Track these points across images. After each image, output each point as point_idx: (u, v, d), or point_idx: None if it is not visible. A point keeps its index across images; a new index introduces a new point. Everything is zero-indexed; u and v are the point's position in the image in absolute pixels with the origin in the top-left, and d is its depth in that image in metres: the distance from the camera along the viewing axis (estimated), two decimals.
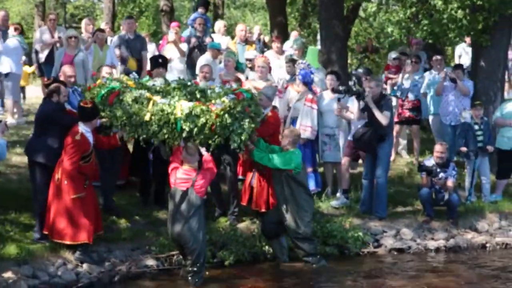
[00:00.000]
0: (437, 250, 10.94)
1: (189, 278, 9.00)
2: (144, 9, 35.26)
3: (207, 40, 13.49)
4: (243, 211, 10.79)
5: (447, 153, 11.45)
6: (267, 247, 10.24)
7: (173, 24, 15.31)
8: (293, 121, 11.54)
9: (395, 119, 13.53)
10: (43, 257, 9.01)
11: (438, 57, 13.84)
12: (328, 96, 11.69)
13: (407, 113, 13.64)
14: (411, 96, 13.56)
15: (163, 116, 9.27)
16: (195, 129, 9.23)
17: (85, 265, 9.09)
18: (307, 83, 11.62)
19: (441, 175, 11.19)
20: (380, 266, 10.17)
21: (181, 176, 9.04)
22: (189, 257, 9.02)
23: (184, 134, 9.24)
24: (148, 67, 12.34)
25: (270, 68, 12.16)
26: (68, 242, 9.05)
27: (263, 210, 10.38)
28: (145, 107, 9.34)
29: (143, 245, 9.83)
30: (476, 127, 12.06)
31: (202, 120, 9.23)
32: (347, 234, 10.62)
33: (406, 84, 13.52)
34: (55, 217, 9.04)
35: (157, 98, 9.44)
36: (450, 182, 11.16)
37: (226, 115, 9.26)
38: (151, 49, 15.13)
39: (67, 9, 37.29)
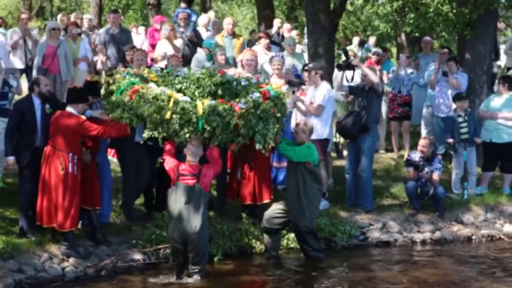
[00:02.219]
0: (423, 242, 11.00)
1: (192, 275, 8.87)
2: (131, 2, 35.17)
3: (190, 34, 13.41)
4: (230, 205, 10.82)
5: (432, 147, 11.49)
6: (254, 240, 10.25)
7: (156, 18, 15.21)
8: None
9: (388, 115, 13.64)
10: (29, 251, 8.97)
11: (445, 50, 13.85)
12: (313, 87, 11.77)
13: (399, 109, 13.71)
14: (403, 91, 13.62)
15: (184, 115, 8.90)
16: (217, 129, 9.00)
17: (71, 260, 9.06)
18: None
19: (426, 169, 11.23)
20: (367, 259, 10.21)
21: (184, 172, 8.83)
22: (193, 256, 8.82)
23: (206, 134, 9.00)
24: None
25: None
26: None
27: (248, 202, 10.41)
28: (166, 105, 8.96)
29: (129, 239, 9.80)
30: (460, 119, 12.10)
31: (225, 119, 8.98)
32: (335, 227, 10.66)
33: (400, 76, 13.60)
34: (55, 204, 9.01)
35: (178, 95, 9.11)
36: (435, 176, 11.20)
37: (251, 116, 9.05)
38: (139, 41, 15.07)
39: (54, 2, 37.11)
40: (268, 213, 9.98)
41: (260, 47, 13.69)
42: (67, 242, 9.11)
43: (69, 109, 9.17)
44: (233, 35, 14.15)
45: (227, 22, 14.21)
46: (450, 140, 12.01)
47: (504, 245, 10.97)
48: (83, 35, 13.53)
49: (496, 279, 9.22)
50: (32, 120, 9.37)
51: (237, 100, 9.25)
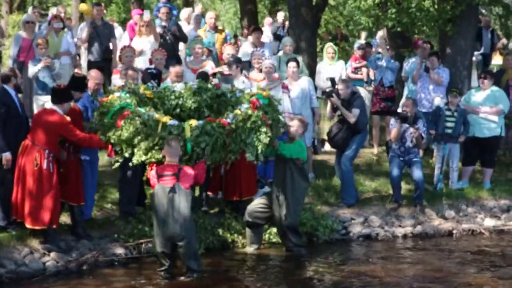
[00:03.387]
0: (405, 236, 11.04)
1: (188, 275, 8.79)
2: None
3: (173, 28, 13.36)
4: (212, 200, 10.83)
5: (415, 107, 11.54)
6: (236, 235, 10.25)
7: (134, 12, 15.09)
8: None
9: (371, 110, 13.67)
10: (10, 246, 8.92)
11: (427, 45, 13.90)
12: (292, 82, 11.81)
13: (382, 103, 13.73)
14: (385, 82, 13.63)
15: None
16: (207, 148, 8.86)
17: (52, 254, 9.01)
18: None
19: (411, 129, 11.20)
20: (349, 253, 10.25)
21: (164, 173, 8.74)
22: (184, 256, 8.74)
23: (194, 156, 8.90)
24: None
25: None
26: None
27: (231, 198, 10.41)
28: (154, 130, 8.87)
29: (111, 234, 9.78)
30: (449, 113, 12.13)
31: (214, 138, 8.87)
32: (317, 222, 10.68)
33: (381, 64, 13.65)
34: (31, 201, 8.94)
35: (166, 118, 9.00)
36: (418, 134, 11.18)
37: (240, 130, 8.96)
38: (117, 34, 15.00)
39: None
40: (250, 207, 9.98)
41: (248, 44, 13.65)
42: (47, 238, 9.07)
43: (54, 107, 9.11)
44: (216, 29, 14.12)
45: (209, 17, 14.19)
46: (432, 132, 12.04)
47: (485, 239, 11.04)
48: (65, 29, 13.46)
49: (477, 273, 9.28)
50: (16, 112, 9.34)
51: (225, 114, 9.17)
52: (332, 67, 13.22)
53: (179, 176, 8.69)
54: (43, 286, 8.49)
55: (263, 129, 9.11)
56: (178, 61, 12.95)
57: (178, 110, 9.42)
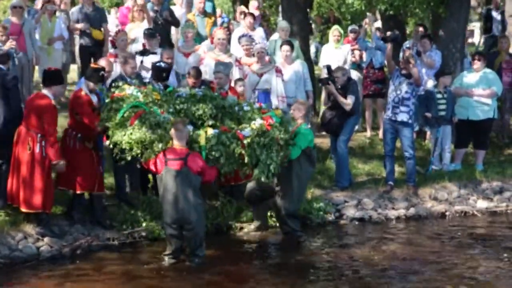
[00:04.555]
0: (398, 219, 11.08)
1: (190, 259, 8.77)
2: None
3: (165, 13, 13.30)
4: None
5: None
6: (230, 218, 10.28)
7: None
8: (263, 93, 11.58)
9: (362, 93, 13.66)
10: (3, 231, 8.91)
11: (420, 28, 13.87)
12: (286, 66, 11.81)
13: (372, 86, 13.71)
14: (375, 63, 13.60)
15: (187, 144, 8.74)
16: (221, 158, 8.80)
17: (46, 239, 9.02)
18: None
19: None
20: (342, 236, 10.26)
21: (171, 156, 8.61)
22: (191, 240, 8.68)
23: (209, 164, 8.80)
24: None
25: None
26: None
27: (226, 183, 10.42)
28: (168, 134, 8.72)
29: (105, 219, 9.76)
30: (439, 95, 12.16)
31: (229, 148, 8.79)
32: (310, 205, 10.71)
33: (371, 49, 13.64)
34: (24, 185, 8.94)
35: None
36: (409, 53, 11.19)
37: (255, 145, 8.85)
38: (110, 20, 14.93)
39: None
40: (250, 185, 9.92)
41: (241, 27, 13.60)
42: (40, 222, 9.07)
43: (44, 91, 9.10)
44: (205, 13, 14.06)
45: (198, 1, 14.09)
46: (428, 114, 12.04)
47: (477, 221, 11.10)
48: (57, 13, 13.40)
49: (470, 255, 9.33)
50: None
51: (240, 127, 9.10)
52: (337, 51, 13.15)
53: (187, 160, 8.57)
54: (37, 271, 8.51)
55: (275, 147, 9.02)
56: (170, 46, 12.92)
57: (182, 115, 9.29)
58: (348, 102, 11.06)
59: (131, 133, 8.69)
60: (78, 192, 9.41)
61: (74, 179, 9.30)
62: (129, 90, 9.18)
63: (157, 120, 8.80)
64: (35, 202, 8.92)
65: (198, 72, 10.61)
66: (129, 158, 8.77)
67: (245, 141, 8.82)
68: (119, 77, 10.13)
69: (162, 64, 10.40)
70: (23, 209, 8.96)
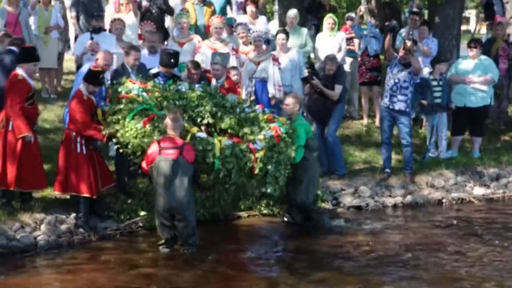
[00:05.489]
0: (395, 206, 11.10)
1: (183, 248, 8.75)
2: None
3: (159, 2, 13.21)
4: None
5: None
6: (226, 207, 10.24)
7: None
8: (259, 81, 11.55)
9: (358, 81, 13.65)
10: (0, 220, 8.90)
11: (416, 17, 13.85)
12: (282, 54, 11.80)
13: (368, 74, 13.68)
14: (370, 51, 13.57)
15: (200, 152, 8.71)
16: (233, 171, 8.75)
17: (43, 228, 9.02)
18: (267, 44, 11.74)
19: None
20: (339, 224, 10.26)
21: (166, 145, 8.56)
22: (183, 229, 8.65)
23: (221, 174, 8.79)
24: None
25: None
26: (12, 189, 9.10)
27: None
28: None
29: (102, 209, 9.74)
30: (435, 83, 12.15)
31: (242, 161, 8.77)
32: None
33: (366, 37, 13.61)
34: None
35: (194, 129, 8.89)
36: (412, 47, 11.17)
37: (266, 159, 8.82)
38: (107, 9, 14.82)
39: None
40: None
41: (245, 17, 13.52)
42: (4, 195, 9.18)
43: (17, 69, 9.13)
44: (204, 2, 13.99)
45: None
46: (424, 102, 12.04)
47: (474, 208, 11.11)
48: (52, 2, 13.34)
49: (466, 241, 9.34)
50: None
51: (250, 138, 9.05)
52: (331, 39, 13.11)
53: (182, 150, 8.52)
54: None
55: (284, 160, 9.04)
56: (165, 35, 12.87)
57: (197, 129, 9.24)
58: (335, 93, 11.02)
59: (142, 136, 8.70)
60: (85, 195, 9.21)
61: (82, 182, 9.13)
62: (134, 90, 9.11)
63: None
64: (5, 180, 8.99)
65: (196, 64, 10.59)
66: (138, 162, 8.92)
67: (257, 155, 8.82)
68: (120, 68, 10.06)
69: (171, 50, 10.34)
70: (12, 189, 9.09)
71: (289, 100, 9.99)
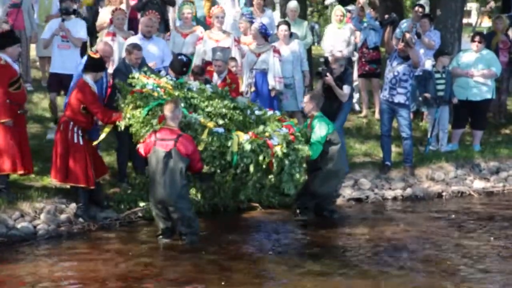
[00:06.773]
0: (395, 199, 11.11)
1: (185, 239, 8.72)
2: None
3: None
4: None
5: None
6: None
7: None
8: (260, 73, 11.53)
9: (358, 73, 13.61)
10: (0, 209, 8.91)
11: (421, 9, 13.83)
12: (283, 45, 11.76)
13: (367, 66, 13.65)
14: (369, 43, 13.53)
15: (218, 147, 8.71)
16: (251, 166, 8.77)
17: (42, 217, 9.03)
18: (267, 36, 11.65)
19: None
20: (339, 216, 10.22)
21: (162, 136, 8.53)
22: (180, 223, 8.64)
23: (238, 170, 8.80)
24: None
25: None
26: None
27: None
28: (198, 134, 8.71)
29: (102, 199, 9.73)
30: (438, 75, 12.14)
31: (259, 157, 8.74)
32: None
33: (366, 29, 13.57)
34: None
35: (211, 124, 8.85)
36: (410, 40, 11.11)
37: (283, 156, 8.78)
38: None
39: None
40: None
41: (252, 9, 13.48)
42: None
43: (0, 54, 9.10)
44: None
45: None
46: (427, 95, 12.02)
47: (474, 201, 11.13)
48: None
49: (466, 234, 9.35)
50: None
51: (266, 135, 9.00)
52: (340, 31, 13.09)
53: (177, 142, 8.48)
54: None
55: (299, 159, 9.00)
56: (166, 26, 12.83)
57: (214, 123, 9.22)
58: (345, 93, 10.99)
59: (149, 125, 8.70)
60: (83, 185, 9.22)
61: (80, 173, 9.14)
62: (149, 85, 9.07)
63: (187, 121, 8.77)
64: (5, 165, 9.02)
65: (201, 70, 10.68)
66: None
67: (274, 149, 8.78)
68: (122, 66, 10.00)
69: (184, 58, 10.26)
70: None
71: (304, 99, 10.05)
